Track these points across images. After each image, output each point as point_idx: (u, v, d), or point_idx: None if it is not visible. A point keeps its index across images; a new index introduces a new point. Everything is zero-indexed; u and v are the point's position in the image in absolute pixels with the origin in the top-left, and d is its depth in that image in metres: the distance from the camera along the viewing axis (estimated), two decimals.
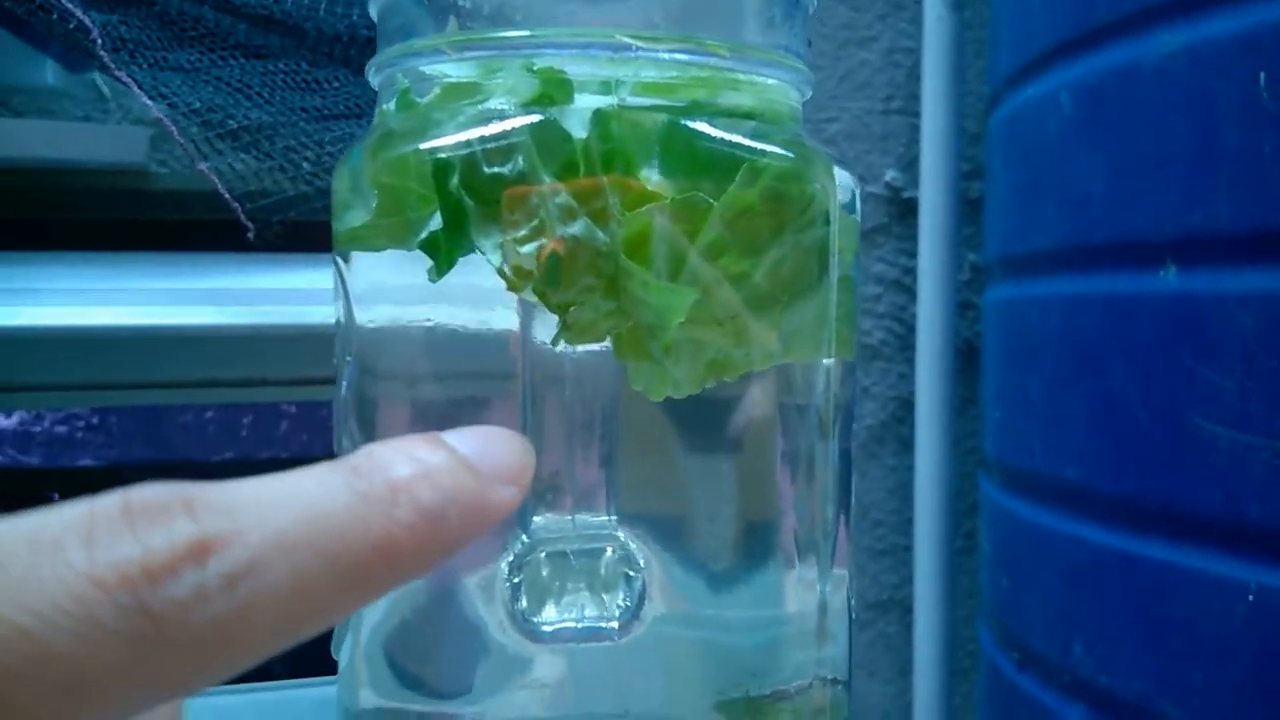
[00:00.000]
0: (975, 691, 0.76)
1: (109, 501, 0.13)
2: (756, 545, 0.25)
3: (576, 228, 0.18)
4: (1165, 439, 0.49)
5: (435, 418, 0.24)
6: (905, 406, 0.85)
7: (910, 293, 0.84)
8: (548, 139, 0.18)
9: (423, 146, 0.20)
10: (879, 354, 0.85)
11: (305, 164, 0.40)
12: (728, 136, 0.20)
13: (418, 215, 0.20)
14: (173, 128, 0.36)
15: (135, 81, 0.38)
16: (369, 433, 0.23)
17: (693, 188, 0.19)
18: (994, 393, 0.66)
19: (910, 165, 0.83)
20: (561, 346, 0.23)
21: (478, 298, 0.22)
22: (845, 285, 0.21)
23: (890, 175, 0.84)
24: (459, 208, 0.18)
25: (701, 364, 0.21)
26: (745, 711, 0.21)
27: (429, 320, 0.22)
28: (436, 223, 0.19)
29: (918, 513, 0.82)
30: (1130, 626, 0.51)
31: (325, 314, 0.35)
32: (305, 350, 0.39)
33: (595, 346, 0.23)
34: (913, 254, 0.83)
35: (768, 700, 0.22)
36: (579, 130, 0.19)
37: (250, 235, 0.37)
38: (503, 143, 0.18)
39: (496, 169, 0.18)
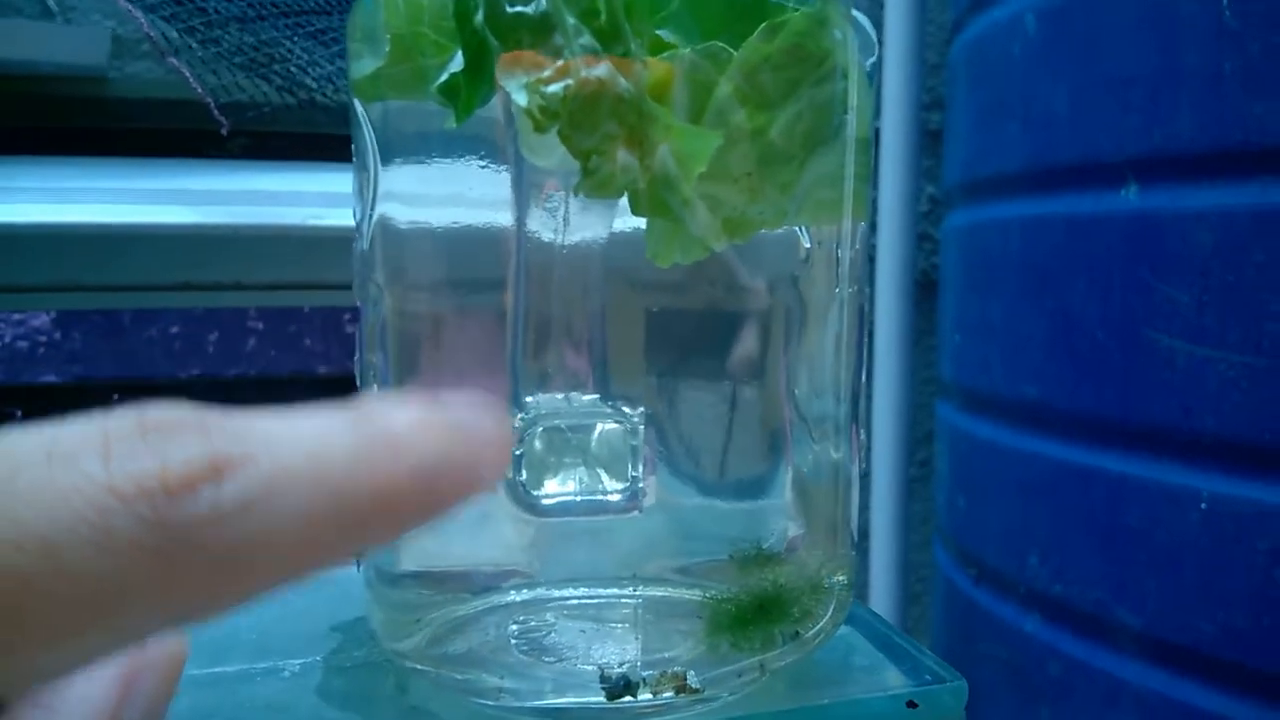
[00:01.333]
0: (928, 613, 0.78)
1: (123, 417, 0.13)
2: (760, 430, 0.25)
3: (601, 70, 0.18)
4: (1123, 354, 0.50)
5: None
6: None
7: (869, 224, 0.85)
8: None
9: None
10: None
11: (276, 66, 0.39)
12: None
13: (431, 63, 0.19)
14: (141, 16, 0.35)
15: None
16: (394, 276, 0.23)
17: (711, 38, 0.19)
18: (953, 318, 0.67)
19: None
20: (555, 235, 0.23)
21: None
22: (863, 147, 0.21)
23: None
24: (483, 47, 0.18)
25: (717, 221, 0.21)
26: (756, 562, 0.22)
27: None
28: (453, 69, 0.19)
29: (875, 441, 0.83)
30: (1086, 537, 0.52)
31: (300, 215, 0.34)
32: (279, 253, 0.39)
33: (588, 237, 0.23)
34: (873, 185, 0.83)
35: (779, 554, 0.22)
36: None
37: (224, 131, 0.36)
38: None
39: (519, 7, 0.18)
